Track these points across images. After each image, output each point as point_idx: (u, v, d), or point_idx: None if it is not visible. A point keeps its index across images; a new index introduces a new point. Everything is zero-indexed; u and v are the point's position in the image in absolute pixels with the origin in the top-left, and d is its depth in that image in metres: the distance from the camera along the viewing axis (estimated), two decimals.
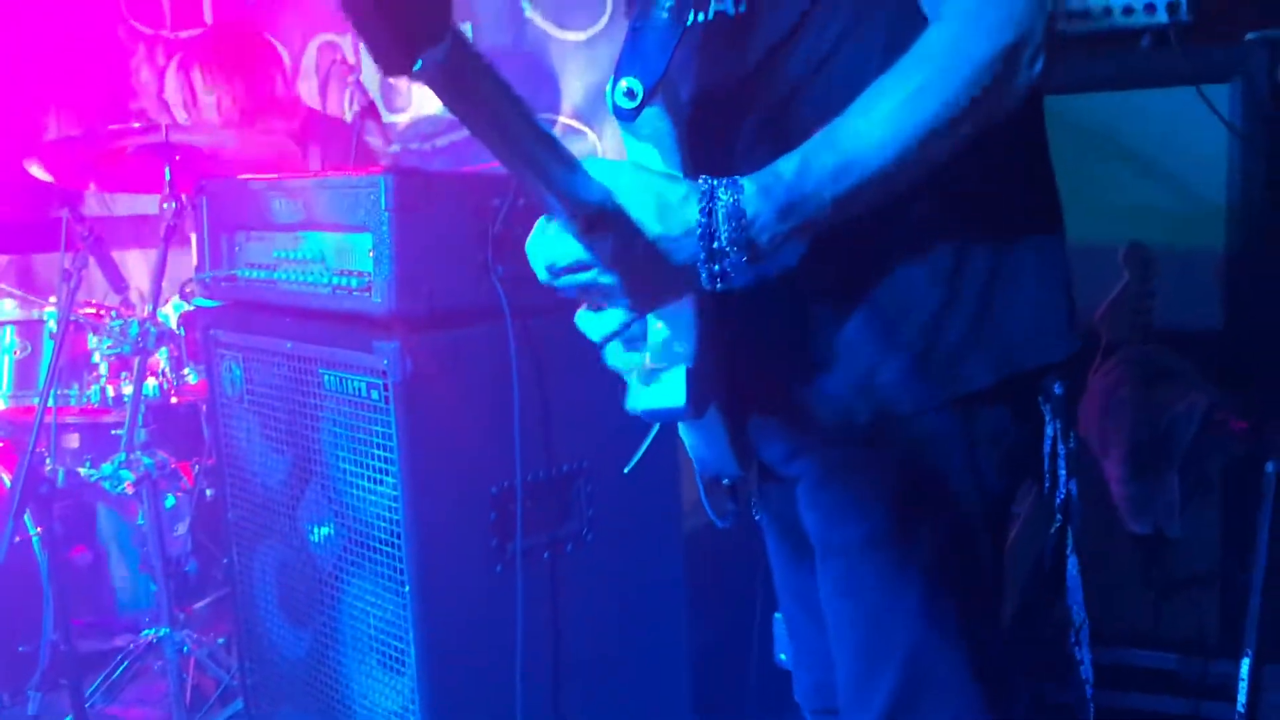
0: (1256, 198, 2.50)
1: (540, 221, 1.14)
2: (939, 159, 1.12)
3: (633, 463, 1.52)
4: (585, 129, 3.99)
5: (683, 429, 1.40)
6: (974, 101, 1.09)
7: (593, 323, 1.18)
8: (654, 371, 1.20)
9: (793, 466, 1.36)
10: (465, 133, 4.22)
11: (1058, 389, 1.27)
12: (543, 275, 1.15)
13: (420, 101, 4.42)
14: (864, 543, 1.30)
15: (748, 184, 1.09)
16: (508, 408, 2.23)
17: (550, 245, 1.11)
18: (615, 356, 1.25)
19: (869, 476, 1.29)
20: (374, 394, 2.21)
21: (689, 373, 1.19)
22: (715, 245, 1.08)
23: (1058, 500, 1.31)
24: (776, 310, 1.27)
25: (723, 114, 1.28)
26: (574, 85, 4.02)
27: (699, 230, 1.08)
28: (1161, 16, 2.59)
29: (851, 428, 1.27)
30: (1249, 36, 2.55)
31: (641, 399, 1.22)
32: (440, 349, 2.19)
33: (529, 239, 1.15)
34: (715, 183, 1.09)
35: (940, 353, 1.24)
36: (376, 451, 2.22)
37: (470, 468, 2.24)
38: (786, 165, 1.10)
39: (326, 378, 2.33)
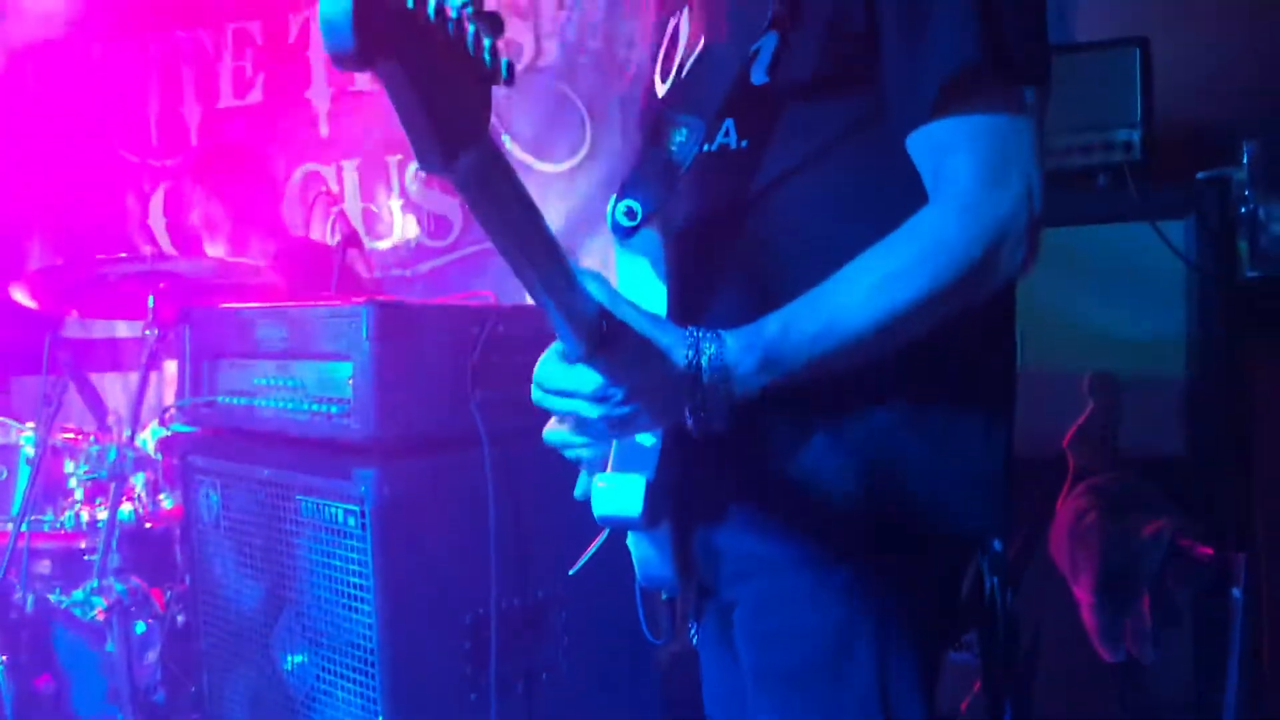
0: (1213, 329, 2.57)
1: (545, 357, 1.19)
2: (913, 335, 1.18)
3: (578, 566, 1.53)
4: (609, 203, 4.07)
5: (631, 536, 1.41)
6: (952, 288, 1.15)
7: (563, 439, 1.22)
8: (615, 478, 1.23)
9: (733, 590, 1.37)
10: (446, 259, 4.31)
11: (996, 545, 1.31)
12: (537, 394, 1.20)
13: (401, 230, 4.51)
14: (798, 677, 1.31)
15: (730, 339, 1.15)
16: (484, 535, 2.24)
17: (545, 368, 1.16)
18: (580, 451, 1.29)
19: (808, 610, 1.30)
20: (350, 520, 2.22)
21: (648, 484, 1.22)
22: (698, 396, 1.14)
23: (996, 652, 1.33)
24: (738, 432, 1.30)
25: (710, 242, 1.33)
26: (552, 214, 4.12)
27: (685, 380, 1.14)
28: (1118, 155, 2.70)
29: (797, 557, 1.29)
30: (1200, 175, 2.67)
31: (599, 504, 1.24)
32: (417, 476, 2.21)
33: (540, 361, 1.19)
34: (700, 335, 1.15)
35: (894, 496, 1.27)
36: (352, 579, 2.22)
37: (445, 595, 2.24)
38: (769, 325, 1.16)
39: (304, 504, 2.34)
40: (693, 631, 1.53)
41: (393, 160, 4.51)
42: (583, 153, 4.08)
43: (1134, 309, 2.67)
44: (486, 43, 0.86)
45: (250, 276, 3.14)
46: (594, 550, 1.47)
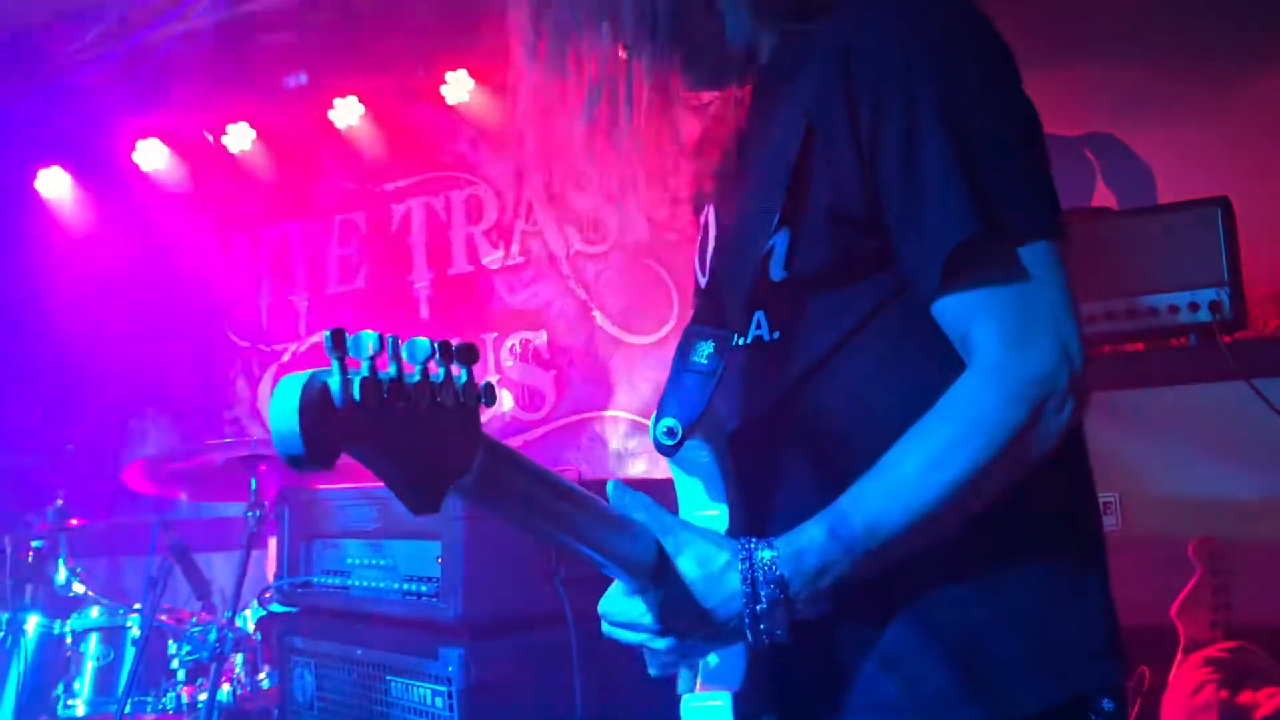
0: None
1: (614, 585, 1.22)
2: (971, 510, 1.16)
3: None
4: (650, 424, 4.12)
5: None
6: (999, 459, 1.14)
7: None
8: (704, 694, 1.23)
9: None
10: (539, 431, 4.35)
11: (1107, 704, 1.24)
12: (605, 626, 1.23)
13: (498, 404, 4.61)
14: None
15: (783, 546, 1.15)
16: (572, 715, 2.21)
17: (621, 608, 1.19)
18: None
19: None
20: (438, 701, 2.22)
21: (735, 696, 1.21)
22: (758, 608, 1.14)
23: None
24: (825, 623, 1.28)
25: (764, 440, 1.33)
26: (640, 384, 4.20)
27: (742, 597, 1.14)
28: (1205, 315, 2.66)
29: None
30: None
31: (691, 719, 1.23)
32: (504, 655, 2.21)
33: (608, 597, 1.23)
34: (753, 546, 1.16)
35: (985, 674, 1.23)
36: None
37: None
38: (817, 528, 1.16)
39: (394, 684, 2.35)
40: None
41: (488, 338, 4.65)
42: (671, 324, 4.16)
43: (1237, 470, 2.58)
44: (461, 380, 0.93)
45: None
46: None
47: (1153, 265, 2.77)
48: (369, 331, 0.87)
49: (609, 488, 1.17)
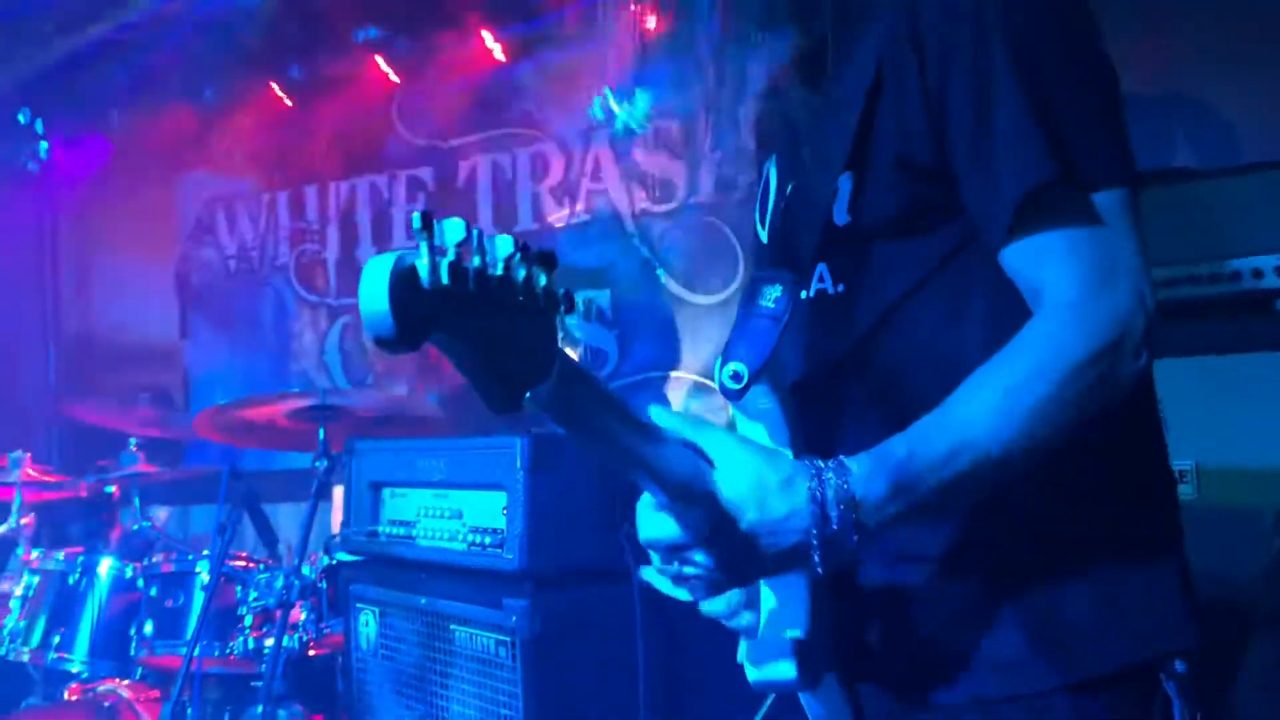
0: None
1: (642, 499, 1.17)
2: (1045, 449, 1.12)
3: None
4: (714, 385, 4.10)
5: (803, 694, 1.37)
6: (1076, 396, 1.11)
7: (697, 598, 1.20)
8: (767, 641, 1.20)
9: None
10: (617, 385, 4.33)
11: (1180, 667, 1.22)
12: (653, 557, 1.18)
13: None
14: None
15: (854, 466, 1.10)
16: (634, 667, 2.22)
17: (651, 523, 1.14)
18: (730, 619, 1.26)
19: None
20: (502, 651, 2.23)
21: (800, 644, 1.18)
22: (828, 530, 1.08)
23: None
24: (897, 584, 1.26)
25: (829, 390, 1.32)
26: (704, 344, 4.18)
27: (809, 515, 1.09)
28: None
29: (966, 703, 1.23)
30: None
31: (754, 669, 1.21)
32: (568, 607, 2.22)
33: (638, 512, 1.18)
34: (822, 465, 1.10)
35: (1063, 636, 1.21)
36: (502, 711, 2.22)
37: None
38: (893, 448, 1.12)
39: (458, 633, 2.37)
40: None
41: None
42: (734, 285, 4.13)
43: None
44: (540, 283, 0.92)
45: (417, 411, 3.25)
46: (765, 708, 1.43)
47: (1237, 227, 2.69)
48: (456, 219, 0.86)
49: (651, 410, 1.11)
